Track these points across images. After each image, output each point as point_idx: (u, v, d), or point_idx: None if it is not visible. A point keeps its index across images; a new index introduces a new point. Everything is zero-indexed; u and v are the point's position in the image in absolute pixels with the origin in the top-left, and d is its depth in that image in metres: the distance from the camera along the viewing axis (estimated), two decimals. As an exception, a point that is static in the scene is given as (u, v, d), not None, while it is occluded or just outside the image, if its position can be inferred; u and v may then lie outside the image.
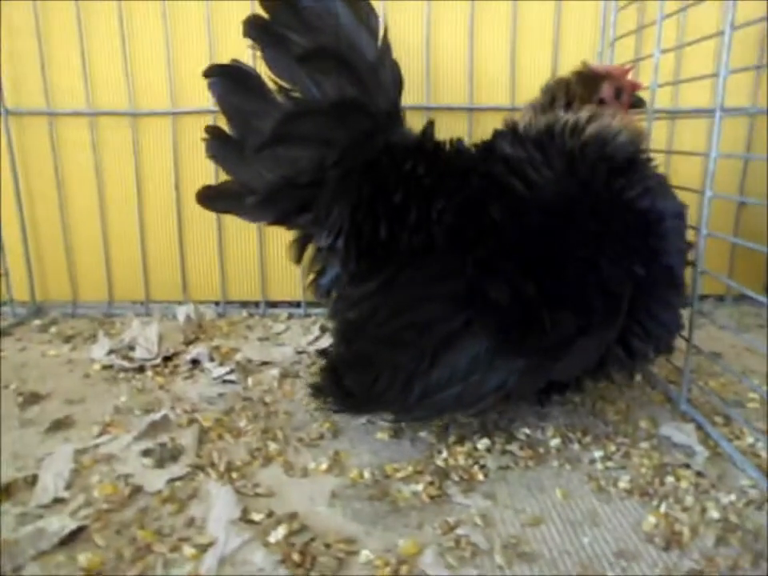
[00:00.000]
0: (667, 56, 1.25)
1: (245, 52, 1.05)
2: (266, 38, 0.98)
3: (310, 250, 1.07)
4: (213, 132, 1.04)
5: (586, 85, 1.02)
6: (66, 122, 1.53)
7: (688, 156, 1.45)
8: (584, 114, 0.96)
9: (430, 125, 1.03)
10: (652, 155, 1.01)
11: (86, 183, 1.55)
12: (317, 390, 0.98)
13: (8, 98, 1.50)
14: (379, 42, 0.99)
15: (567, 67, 1.46)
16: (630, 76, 1.08)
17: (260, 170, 1.01)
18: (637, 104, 1.09)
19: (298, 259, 1.08)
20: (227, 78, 1.00)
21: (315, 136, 1.00)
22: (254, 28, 0.98)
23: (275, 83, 0.99)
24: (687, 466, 0.89)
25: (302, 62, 0.97)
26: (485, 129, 1.49)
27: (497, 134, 1.01)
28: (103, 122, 1.53)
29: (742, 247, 0.98)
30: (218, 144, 1.04)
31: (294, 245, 1.08)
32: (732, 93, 0.96)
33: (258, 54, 0.99)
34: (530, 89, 1.48)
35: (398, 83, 1.03)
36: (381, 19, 1.01)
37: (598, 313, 0.86)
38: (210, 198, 1.08)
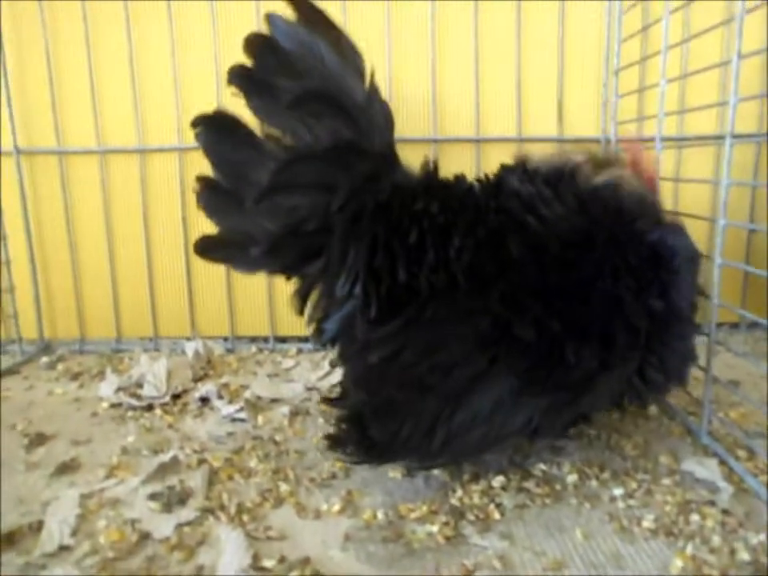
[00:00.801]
0: (672, 84, 1.26)
1: None
2: (252, 87, 0.96)
3: (312, 298, 1.02)
4: (204, 182, 0.99)
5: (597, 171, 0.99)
6: (75, 161, 1.55)
7: (694, 184, 1.44)
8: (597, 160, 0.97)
9: (433, 163, 1.01)
10: (663, 203, 1.00)
11: (94, 220, 1.56)
12: (335, 442, 0.94)
13: (19, 138, 1.51)
14: (367, 84, 0.97)
15: (572, 98, 1.50)
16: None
17: (259, 221, 0.97)
18: None
19: (302, 309, 1.02)
20: (213, 128, 0.97)
21: (316, 182, 0.96)
22: (237, 77, 0.95)
23: (263, 131, 0.96)
24: (712, 503, 0.86)
25: (292, 108, 0.94)
26: (492, 160, 1.50)
27: (504, 169, 1.00)
28: (112, 159, 1.54)
29: (755, 273, 0.96)
30: (209, 194, 0.99)
31: (297, 295, 1.02)
32: (738, 119, 0.96)
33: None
34: (536, 119, 1.51)
35: (390, 123, 1.01)
36: (366, 60, 0.99)
37: (620, 346, 0.85)
38: (209, 248, 1.03)
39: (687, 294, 0.92)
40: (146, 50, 1.50)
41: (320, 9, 0.98)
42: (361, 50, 0.99)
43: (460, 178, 1.01)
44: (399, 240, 0.92)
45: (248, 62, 0.96)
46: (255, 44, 0.95)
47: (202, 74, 1.49)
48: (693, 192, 1.49)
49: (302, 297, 1.01)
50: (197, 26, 1.48)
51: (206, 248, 1.03)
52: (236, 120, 0.97)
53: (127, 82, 1.50)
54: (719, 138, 0.99)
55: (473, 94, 1.49)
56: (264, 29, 0.96)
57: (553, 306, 0.85)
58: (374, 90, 0.98)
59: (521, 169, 0.98)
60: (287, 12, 0.97)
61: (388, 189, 0.96)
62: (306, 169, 0.95)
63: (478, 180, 1.01)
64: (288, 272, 1.03)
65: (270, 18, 0.96)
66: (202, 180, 0.99)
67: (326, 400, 1.04)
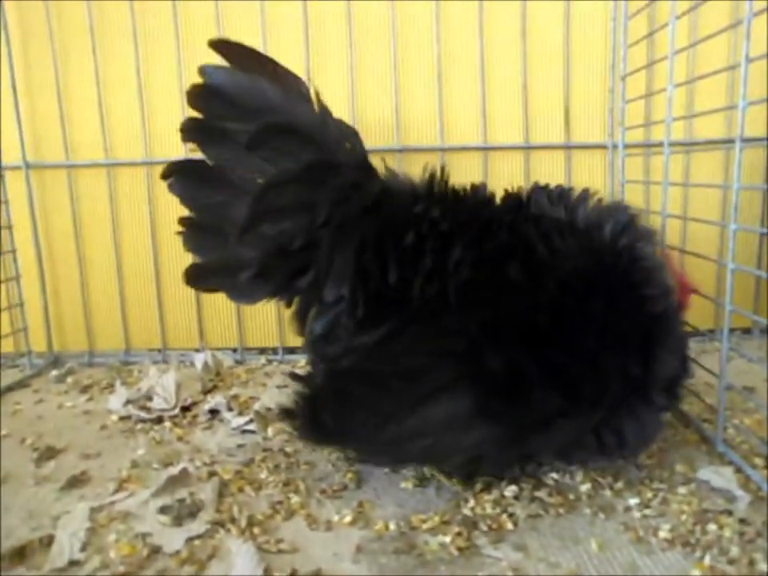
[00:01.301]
0: (679, 89, 1.25)
1: None
2: (206, 136, 0.97)
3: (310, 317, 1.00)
4: (186, 222, 1.01)
5: None
6: (83, 174, 1.55)
7: (702, 189, 1.43)
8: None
9: (441, 169, 0.99)
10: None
11: (102, 233, 1.57)
12: (287, 414, 0.94)
13: (28, 152, 1.52)
14: (315, 106, 0.98)
15: (579, 104, 1.49)
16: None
17: (245, 252, 0.97)
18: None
19: (303, 331, 1.00)
20: (185, 175, 0.99)
21: (295, 204, 0.95)
22: (191, 131, 0.97)
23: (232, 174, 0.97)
24: (729, 513, 0.85)
25: (252, 147, 0.94)
26: (499, 168, 1.50)
27: (536, 189, 0.97)
28: (120, 172, 1.55)
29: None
30: (193, 234, 1.01)
31: (295, 317, 1.00)
32: (747, 122, 0.95)
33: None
34: (543, 126, 1.51)
35: (352, 138, 1.00)
36: (310, 85, 1.00)
37: (586, 401, 0.84)
38: (199, 276, 1.04)
39: (668, 372, 0.89)
40: (153, 62, 1.51)
41: (247, 47, 0.99)
42: (297, 75, 1.00)
43: (478, 189, 0.99)
44: (393, 241, 0.91)
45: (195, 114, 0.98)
46: (198, 95, 0.97)
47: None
48: (702, 197, 1.48)
49: (301, 318, 1.00)
50: (201, 38, 1.48)
51: (196, 276, 1.04)
52: (205, 164, 0.98)
53: (134, 94, 1.50)
54: (729, 142, 0.98)
55: (479, 102, 1.49)
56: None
57: (532, 345, 0.84)
58: (324, 112, 0.98)
59: (552, 193, 0.95)
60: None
61: (375, 193, 0.96)
62: (282, 194, 0.95)
63: (507, 193, 0.98)
64: (281, 292, 1.01)
65: (205, 71, 0.97)
66: (184, 220, 1.01)
67: (293, 375, 1.00)
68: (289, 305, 1.02)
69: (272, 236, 0.95)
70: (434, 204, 0.94)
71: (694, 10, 1.15)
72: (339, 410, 0.89)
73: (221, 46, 0.98)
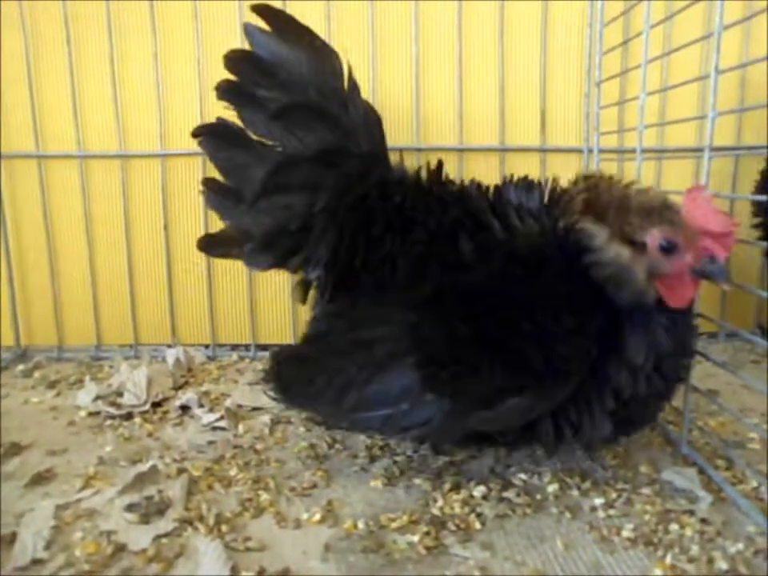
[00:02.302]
0: (652, 97, 1.27)
1: None
2: (239, 100, 1.02)
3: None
4: (209, 184, 1.08)
5: (629, 218, 0.83)
6: (55, 165, 1.53)
7: (674, 195, 1.46)
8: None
9: (438, 163, 1.03)
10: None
11: (73, 226, 1.55)
12: (265, 376, 0.99)
13: (-2, 142, 1.49)
14: (346, 85, 1.02)
15: (555, 108, 1.51)
16: (716, 237, 0.81)
17: (258, 217, 1.05)
18: (709, 275, 0.83)
19: (303, 300, 1.11)
20: (215, 136, 1.05)
21: (305, 183, 1.02)
22: (225, 92, 1.02)
23: (257, 139, 1.03)
24: (691, 513, 0.87)
25: (276, 118, 1.01)
26: (475, 169, 1.51)
27: (505, 181, 0.98)
28: (93, 164, 1.53)
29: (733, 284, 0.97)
30: (215, 196, 1.08)
31: (298, 286, 1.11)
32: (716, 132, 0.97)
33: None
34: (519, 129, 1.52)
35: (375, 122, 1.05)
36: (344, 59, 1.04)
37: (538, 380, 0.82)
38: (209, 245, 1.16)
39: (637, 358, 0.84)
40: (128, 54, 1.48)
41: (288, 15, 1.03)
42: (335, 49, 1.02)
43: (470, 184, 1.01)
44: (366, 231, 0.98)
45: (230, 76, 1.02)
46: (235, 59, 1.02)
47: (184, 80, 1.49)
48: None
49: (302, 288, 1.10)
50: (179, 31, 1.48)
51: (208, 245, 1.16)
52: (234, 128, 1.04)
53: (109, 86, 1.48)
54: (699, 150, 1.00)
55: (456, 104, 1.50)
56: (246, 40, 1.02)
57: (479, 318, 0.84)
58: (353, 91, 1.03)
59: (526, 186, 0.95)
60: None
61: (371, 183, 1.01)
62: (296, 171, 1.03)
63: (479, 186, 1.01)
64: (279, 267, 1.10)
65: (247, 28, 1.02)
66: (207, 182, 1.08)
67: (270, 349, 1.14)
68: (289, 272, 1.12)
69: (282, 208, 1.04)
70: (411, 195, 0.99)
71: (669, 20, 1.17)
72: (298, 371, 0.96)
73: (263, 10, 1.03)
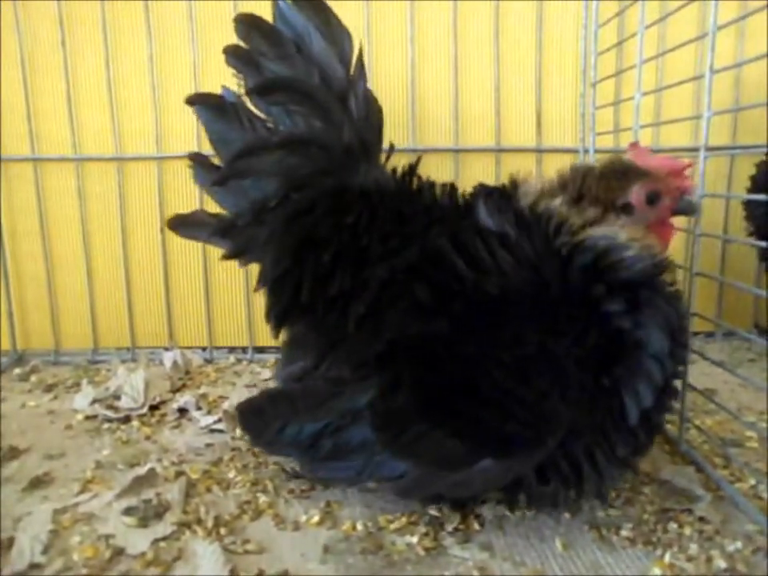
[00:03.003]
0: (647, 97, 1.28)
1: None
2: (247, 67, 0.97)
3: None
4: (196, 159, 1.03)
5: (611, 183, 0.84)
6: (51, 168, 1.52)
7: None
8: (589, 214, 0.81)
9: (410, 166, 0.97)
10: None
11: (70, 228, 1.54)
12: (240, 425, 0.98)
13: (-7, 145, 1.49)
14: (351, 69, 0.97)
15: (551, 108, 1.51)
16: (678, 175, 0.86)
17: (235, 199, 1.00)
18: (685, 211, 0.89)
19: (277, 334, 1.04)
20: (208, 105, 0.99)
21: (265, 172, 0.96)
22: (234, 57, 0.97)
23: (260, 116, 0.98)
24: (690, 512, 0.87)
25: (256, 94, 0.96)
26: (471, 170, 1.51)
27: (480, 193, 0.90)
28: (89, 167, 1.52)
29: (730, 283, 0.98)
30: (202, 172, 1.03)
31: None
32: (711, 131, 0.98)
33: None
34: (515, 129, 1.52)
35: (373, 114, 0.99)
36: (356, 42, 0.99)
37: (503, 446, 0.77)
38: (175, 224, 1.08)
39: (633, 405, 0.76)
40: (123, 56, 1.48)
41: None
42: (347, 31, 0.98)
43: (447, 188, 0.95)
44: (313, 255, 0.91)
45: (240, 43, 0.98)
46: (245, 23, 0.96)
47: (180, 82, 1.48)
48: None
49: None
50: (175, 33, 1.47)
51: (175, 224, 1.08)
52: (228, 100, 0.98)
53: (104, 88, 1.48)
54: (694, 150, 1.00)
55: (451, 104, 1.50)
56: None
57: (439, 379, 0.78)
58: (357, 78, 0.97)
59: (499, 195, 0.87)
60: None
61: (323, 190, 0.94)
62: (259, 158, 0.96)
63: (451, 196, 0.94)
64: (236, 257, 1.04)
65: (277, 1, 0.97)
66: (196, 156, 1.04)
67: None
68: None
69: (246, 195, 0.98)
70: (367, 210, 0.91)
71: (663, 20, 1.18)
72: (258, 421, 0.92)
73: None
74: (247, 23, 0.96)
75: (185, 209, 1.49)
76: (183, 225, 1.08)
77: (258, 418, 0.92)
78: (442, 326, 0.78)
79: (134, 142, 1.51)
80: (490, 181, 0.99)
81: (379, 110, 1.01)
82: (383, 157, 1.03)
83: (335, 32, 0.97)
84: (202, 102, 1.00)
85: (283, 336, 1.02)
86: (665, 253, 0.85)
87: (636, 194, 0.84)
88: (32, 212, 1.53)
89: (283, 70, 0.95)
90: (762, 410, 1.16)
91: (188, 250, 1.54)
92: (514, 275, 0.78)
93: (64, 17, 1.45)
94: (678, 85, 1.11)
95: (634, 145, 0.93)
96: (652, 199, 0.85)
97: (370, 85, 0.99)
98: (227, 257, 1.03)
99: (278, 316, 0.97)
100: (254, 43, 0.96)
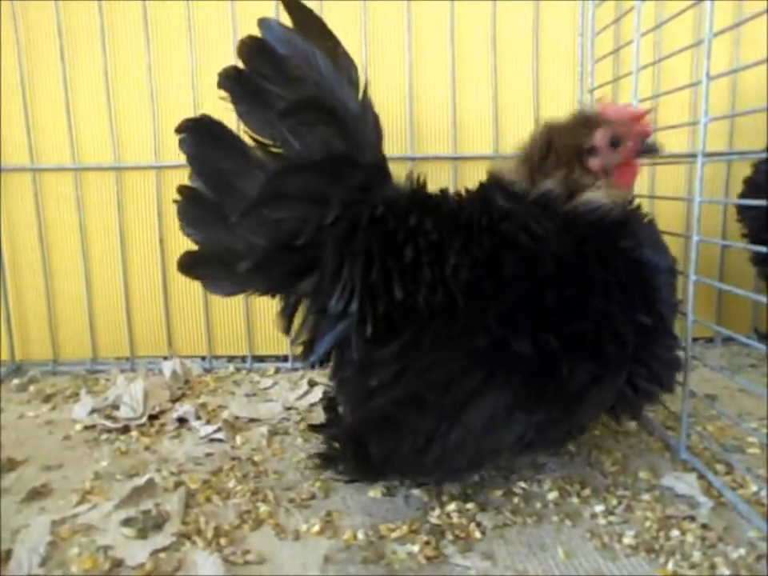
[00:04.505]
0: (644, 103, 1.28)
1: (230, 107, 0.98)
2: (242, 91, 0.92)
3: (299, 317, 0.98)
4: (185, 192, 0.95)
5: (577, 130, 0.96)
6: (49, 178, 1.52)
7: (668, 200, 1.47)
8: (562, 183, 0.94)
9: (419, 177, 0.99)
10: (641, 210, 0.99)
11: (68, 238, 1.54)
12: (326, 460, 0.95)
13: (-8, 156, 1.49)
14: (361, 95, 0.96)
15: (548, 116, 1.51)
16: (638, 120, 0.97)
17: (244, 235, 0.93)
18: (648, 150, 0.99)
19: (288, 329, 0.99)
20: (200, 134, 0.93)
21: (307, 194, 0.91)
22: (229, 79, 0.92)
23: (252, 138, 0.94)
24: (692, 519, 0.87)
25: (285, 115, 0.91)
26: (469, 178, 1.51)
27: (486, 187, 0.99)
28: (87, 177, 1.52)
29: (728, 290, 0.98)
30: (189, 206, 0.95)
31: (282, 314, 0.99)
32: (709, 137, 0.98)
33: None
34: (513, 136, 1.52)
35: (379, 135, 0.99)
36: (361, 72, 0.99)
37: (611, 360, 0.87)
38: (191, 265, 0.99)
39: (669, 307, 0.94)
40: (122, 66, 1.49)
41: (316, 15, 0.96)
42: (351, 58, 0.97)
43: (445, 194, 0.99)
44: (394, 256, 0.90)
45: (240, 65, 0.93)
46: (249, 47, 0.92)
47: (178, 91, 1.49)
48: (667, 209, 1.51)
49: (288, 316, 0.98)
50: (173, 43, 1.48)
51: (189, 265, 0.98)
52: (223, 126, 0.93)
53: (103, 98, 1.48)
54: (691, 156, 1.00)
55: (449, 112, 1.50)
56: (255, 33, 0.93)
57: (548, 322, 0.86)
58: (367, 101, 0.96)
59: (502, 187, 0.96)
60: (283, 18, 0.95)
61: (381, 202, 0.94)
62: (297, 180, 0.92)
63: (458, 195, 1.00)
64: (276, 290, 0.99)
65: (265, 23, 0.92)
66: (183, 189, 0.95)
67: (314, 427, 1.05)
68: (274, 296, 1.00)
69: (273, 223, 0.92)
70: (424, 216, 0.92)
71: (659, 27, 1.18)
72: (385, 440, 0.87)
73: (292, 4, 0.95)
74: (251, 46, 0.92)
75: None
76: (193, 265, 0.99)
77: (388, 434, 0.87)
78: (534, 283, 0.87)
79: (133, 152, 1.52)
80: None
81: (381, 133, 1.00)
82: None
83: (342, 59, 0.96)
84: (192, 129, 0.94)
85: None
86: (630, 192, 0.99)
87: (600, 137, 0.94)
88: (31, 222, 1.53)
89: (290, 93, 0.92)
90: (762, 416, 1.15)
91: (187, 259, 1.54)
92: (561, 238, 0.90)
93: (63, 27, 1.46)
94: (674, 91, 1.12)
95: (601, 99, 1.05)
96: (615, 143, 0.95)
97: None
98: (268, 291, 0.99)
99: (376, 318, 0.89)
100: (257, 66, 0.92)
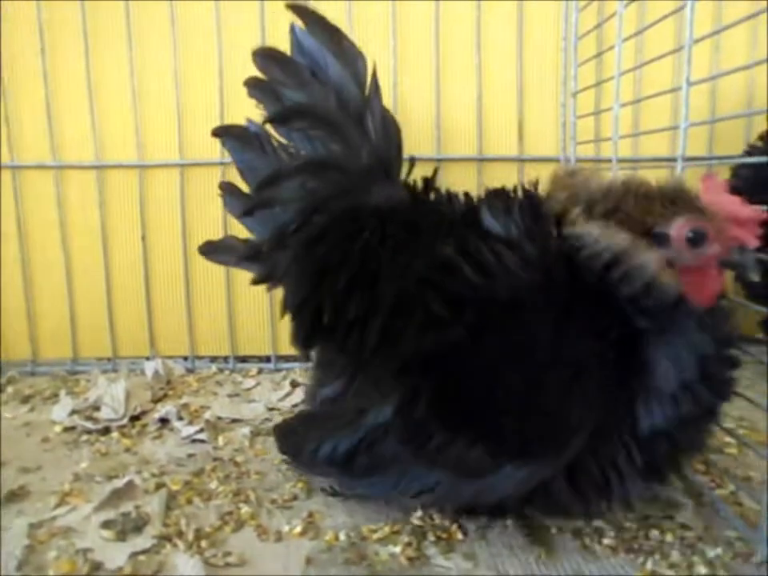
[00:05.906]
0: (626, 107, 1.30)
1: (252, 103, 1.02)
2: (267, 98, 0.99)
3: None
4: (226, 189, 1.06)
5: (653, 206, 0.74)
6: (30, 176, 1.50)
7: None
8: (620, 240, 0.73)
9: (431, 178, 0.97)
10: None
11: (49, 236, 1.52)
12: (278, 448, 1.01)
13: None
14: (366, 89, 0.98)
15: (532, 118, 1.53)
16: (744, 224, 0.73)
17: (263, 226, 1.01)
18: (735, 266, 0.76)
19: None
20: (234, 136, 1.02)
21: (288, 198, 0.97)
22: (253, 88, 0.99)
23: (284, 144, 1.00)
24: (671, 518, 0.88)
25: (275, 122, 0.98)
26: (453, 179, 1.51)
27: (486, 197, 0.89)
28: (68, 175, 1.50)
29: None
30: (231, 200, 1.05)
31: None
32: (689, 142, 0.99)
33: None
34: (497, 139, 1.53)
35: (390, 130, 0.99)
36: (369, 62, 0.99)
37: (522, 448, 0.76)
38: (207, 251, 1.10)
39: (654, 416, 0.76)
40: (104, 62, 1.47)
41: (319, 14, 0.99)
42: (359, 51, 0.99)
43: (441, 202, 0.94)
44: (330, 279, 0.90)
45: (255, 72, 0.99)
46: (263, 56, 0.98)
47: (161, 90, 1.48)
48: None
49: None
50: (157, 40, 1.47)
51: (206, 251, 1.10)
52: (254, 130, 1.00)
53: (84, 95, 1.46)
54: (672, 160, 1.02)
55: (433, 115, 1.51)
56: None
57: (454, 387, 0.78)
58: (371, 97, 0.98)
59: (505, 198, 0.86)
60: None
61: (342, 210, 0.94)
62: (281, 185, 0.97)
63: (467, 201, 0.92)
64: (266, 282, 1.05)
65: (293, 29, 0.99)
66: (225, 186, 1.06)
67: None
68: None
69: (273, 218, 0.99)
70: (379, 229, 0.91)
71: (640, 34, 1.20)
72: (297, 441, 0.95)
73: (298, 8, 0.99)
74: (265, 55, 0.98)
75: (165, 217, 1.51)
76: (213, 251, 1.10)
77: (293, 438, 0.96)
78: (457, 335, 0.77)
79: (115, 150, 1.50)
80: (472, 190, 0.99)
81: (396, 126, 1.00)
82: (406, 169, 1.01)
83: (348, 54, 0.98)
84: (226, 134, 1.03)
85: (314, 357, 1.02)
86: (707, 305, 0.75)
87: (678, 227, 0.73)
88: (10, 219, 1.50)
89: (302, 96, 0.97)
90: (739, 417, 1.17)
91: (169, 259, 1.53)
92: (521, 277, 0.76)
93: (44, 22, 1.44)
94: (655, 96, 1.13)
95: (709, 176, 0.79)
96: (696, 240, 0.73)
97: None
98: (256, 281, 1.04)
99: (303, 340, 0.97)
100: (272, 74, 0.98)
